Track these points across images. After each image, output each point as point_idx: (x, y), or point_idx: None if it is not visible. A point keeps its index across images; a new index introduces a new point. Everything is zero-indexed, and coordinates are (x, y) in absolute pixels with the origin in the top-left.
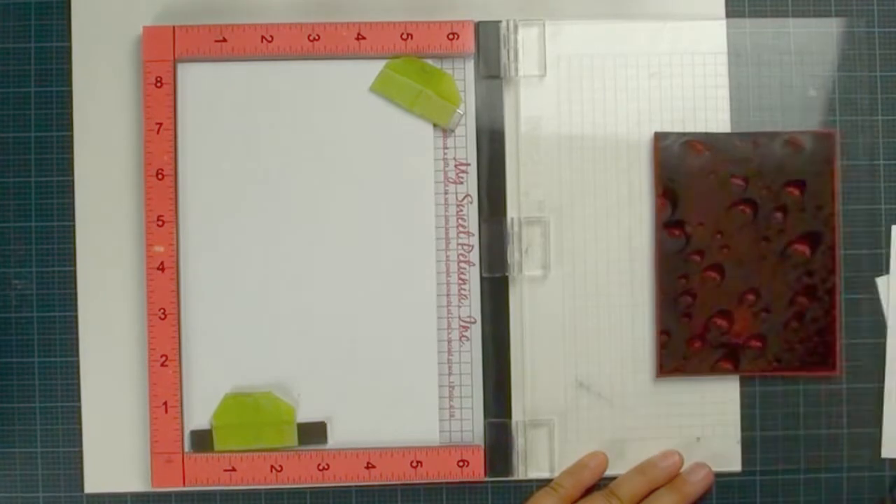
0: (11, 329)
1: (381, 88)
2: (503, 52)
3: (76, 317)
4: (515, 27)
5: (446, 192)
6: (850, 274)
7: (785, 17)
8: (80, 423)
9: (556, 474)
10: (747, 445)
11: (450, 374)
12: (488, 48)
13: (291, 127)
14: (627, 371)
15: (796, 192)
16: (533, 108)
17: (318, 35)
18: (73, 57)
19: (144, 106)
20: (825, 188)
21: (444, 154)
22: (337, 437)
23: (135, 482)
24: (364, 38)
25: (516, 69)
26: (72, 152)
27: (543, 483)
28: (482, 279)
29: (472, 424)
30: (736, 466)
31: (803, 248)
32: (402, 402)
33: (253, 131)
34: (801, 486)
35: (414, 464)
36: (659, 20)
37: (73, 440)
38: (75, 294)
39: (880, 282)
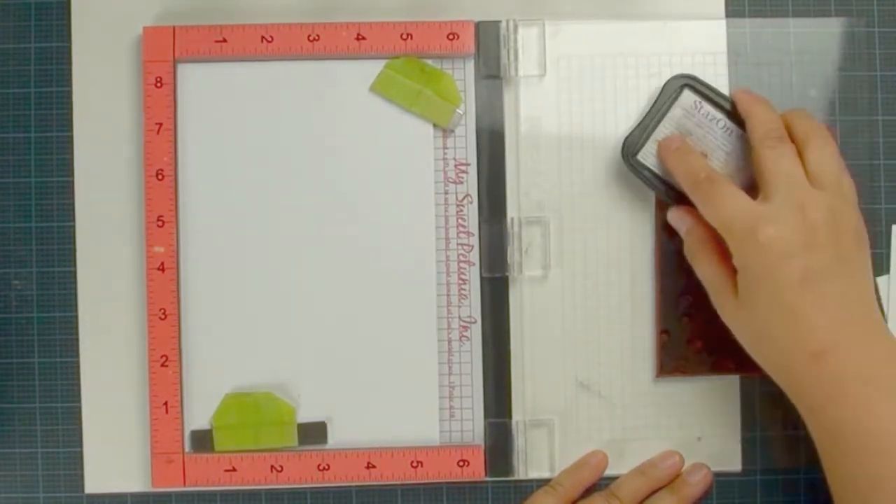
0: (12, 329)
1: (381, 88)
2: (503, 52)
3: (76, 317)
4: (515, 27)
5: (446, 192)
6: None
7: (785, 16)
8: (80, 423)
9: (557, 474)
10: (747, 445)
11: (450, 374)
12: (488, 48)
13: (291, 127)
14: (627, 371)
15: None
16: (533, 108)
17: (318, 35)
18: (73, 57)
19: (144, 106)
20: None
21: (444, 154)
22: (337, 437)
23: (135, 482)
24: (364, 38)
25: (516, 69)
26: (72, 152)
27: (543, 483)
28: (482, 279)
29: (472, 424)
30: (736, 466)
31: None
32: (403, 402)
33: (253, 131)
34: (802, 486)
35: (414, 464)
36: (659, 20)
37: (74, 440)
38: (75, 294)
39: (881, 281)
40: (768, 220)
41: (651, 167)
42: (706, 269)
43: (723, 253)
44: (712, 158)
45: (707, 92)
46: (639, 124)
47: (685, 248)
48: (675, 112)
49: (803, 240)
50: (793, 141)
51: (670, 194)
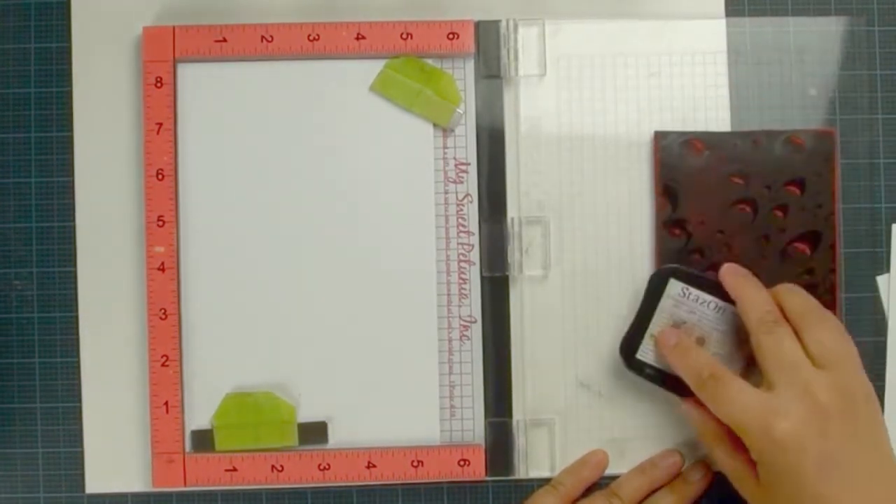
0: (12, 329)
1: (380, 88)
2: (503, 52)
3: (76, 317)
4: (515, 27)
5: (446, 192)
6: (850, 273)
7: (785, 15)
8: (80, 423)
9: (557, 473)
10: None
11: (450, 373)
12: (488, 48)
13: (291, 127)
14: (628, 371)
15: (796, 190)
16: (533, 108)
17: (318, 35)
18: (73, 57)
19: (144, 106)
20: (825, 187)
21: (444, 154)
22: (338, 436)
23: (136, 482)
24: (364, 37)
25: (516, 69)
26: (72, 152)
27: (544, 482)
28: (482, 279)
29: (472, 424)
30: None
31: (804, 247)
32: (403, 401)
33: (253, 131)
34: None
35: (415, 463)
36: (659, 20)
37: (74, 440)
38: (75, 294)
39: (881, 280)
40: (779, 415)
41: (651, 363)
42: (725, 462)
43: (739, 442)
44: (710, 341)
45: (691, 277)
46: (632, 323)
47: (699, 438)
48: (666, 303)
49: (816, 428)
50: (787, 320)
51: (675, 387)
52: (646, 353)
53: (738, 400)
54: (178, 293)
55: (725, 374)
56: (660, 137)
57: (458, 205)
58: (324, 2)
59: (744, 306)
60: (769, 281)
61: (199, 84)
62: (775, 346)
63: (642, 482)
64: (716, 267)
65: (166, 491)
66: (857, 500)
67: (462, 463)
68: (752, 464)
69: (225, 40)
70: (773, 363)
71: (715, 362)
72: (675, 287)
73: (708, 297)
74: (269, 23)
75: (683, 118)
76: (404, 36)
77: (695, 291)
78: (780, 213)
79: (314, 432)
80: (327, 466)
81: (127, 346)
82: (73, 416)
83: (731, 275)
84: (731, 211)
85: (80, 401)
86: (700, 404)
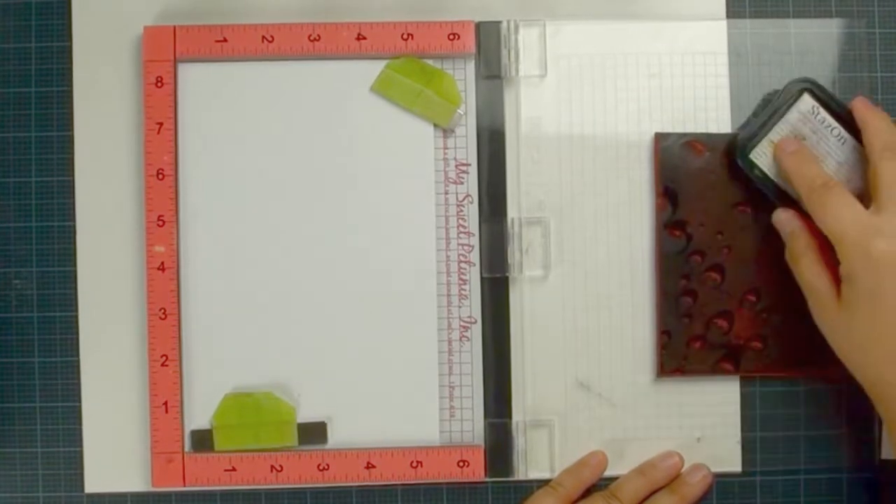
0: (12, 329)
1: (381, 89)
2: (504, 52)
3: (76, 317)
4: (516, 27)
5: (446, 192)
6: None
7: (785, 17)
8: (80, 422)
9: (557, 474)
10: (747, 446)
11: (450, 374)
12: (489, 48)
13: (291, 127)
14: (627, 371)
15: None
16: (533, 108)
17: (318, 35)
18: (73, 57)
19: (145, 106)
20: None
21: (445, 154)
22: (337, 437)
23: (135, 482)
24: (364, 38)
25: (517, 69)
26: (72, 152)
27: (544, 483)
28: (482, 279)
29: (472, 424)
30: (736, 467)
31: None
32: (403, 402)
33: (253, 131)
34: (802, 486)
35: (414, 464)
36: (659, 20)
37: (74, 440)
38: (75, 294)
39: None
40: (880, 234)
41: (762, 167)
42: (808, 274)
43: (827, 259)
44: (823, 166)
45: (825, 98)
46: (753, 123)
47: (787, 251)
48: (792, 115)
49: None
50: None
51: (777, 194)
52: (759, 156)
53: (844, 211)
54: (178, 293)
55: (838, 185)
56: (660, 139)
57: (458, 205)
58: (324, 2)
59: (869, 132)
60: (769, 283)
61: (199, 84)
62: (892, 171)
63: (642, 483)
64: (715, 269)
65: (165, 491)
66: None
67: (461, 464)
68: (836, 282)
69: (225, 40)
70: (886, 187)
71: (830, 175)
72: (806, 103)
73: (834, 123)
74: (269, 23)
75: (684, 119)
76: (405, 36)
77: (823, 113)
78: None
79: (314, 432)
80: (326, 467)
81: (127, 346)
82: (73, 415)
83: (864, 104)
84: (732, 212)
85: (79, 400)
86: (797, 216)
